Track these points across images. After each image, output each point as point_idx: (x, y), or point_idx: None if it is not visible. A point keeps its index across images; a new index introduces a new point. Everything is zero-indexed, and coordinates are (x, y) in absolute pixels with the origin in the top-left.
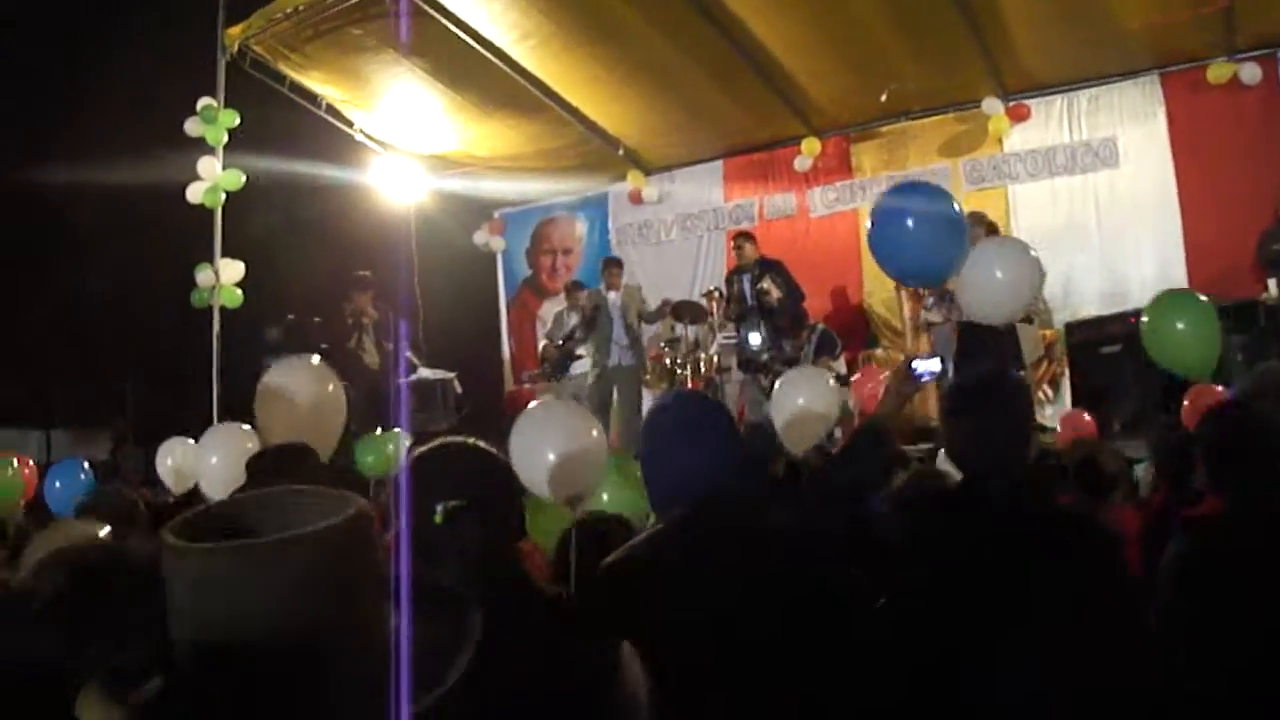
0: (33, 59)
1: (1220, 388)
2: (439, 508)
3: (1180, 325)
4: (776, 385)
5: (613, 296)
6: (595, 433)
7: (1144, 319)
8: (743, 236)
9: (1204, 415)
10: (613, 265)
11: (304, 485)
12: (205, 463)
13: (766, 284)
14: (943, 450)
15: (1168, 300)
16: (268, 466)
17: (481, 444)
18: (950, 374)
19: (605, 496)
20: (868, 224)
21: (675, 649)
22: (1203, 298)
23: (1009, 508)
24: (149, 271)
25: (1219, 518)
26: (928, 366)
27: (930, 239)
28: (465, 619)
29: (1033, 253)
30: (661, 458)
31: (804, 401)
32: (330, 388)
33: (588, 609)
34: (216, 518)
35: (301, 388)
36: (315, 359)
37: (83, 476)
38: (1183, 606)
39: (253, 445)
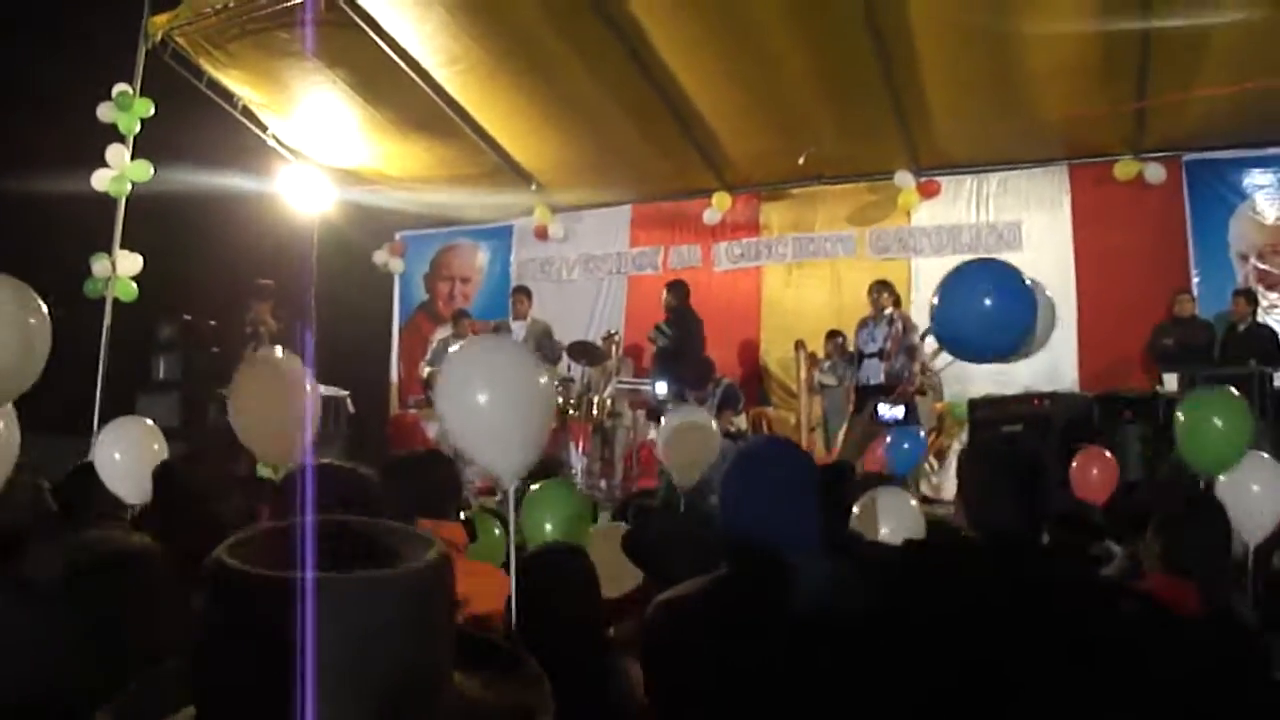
0: None
1: (1107, 453)
2: None
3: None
4: (663, 420)
5: (517, 326)
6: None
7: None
8: (668, 286)
9: None
10: (522, 294)
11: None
12: (106, 457)
13: (654, 334)
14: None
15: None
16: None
17: (350, 466)
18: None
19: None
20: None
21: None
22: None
23: (1019, 569)
24: (39, 257)
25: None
26: (893, 413)
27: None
28: None
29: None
30: (742, 503)
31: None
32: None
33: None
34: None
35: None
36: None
37: None
38: None
39: (159, 447)
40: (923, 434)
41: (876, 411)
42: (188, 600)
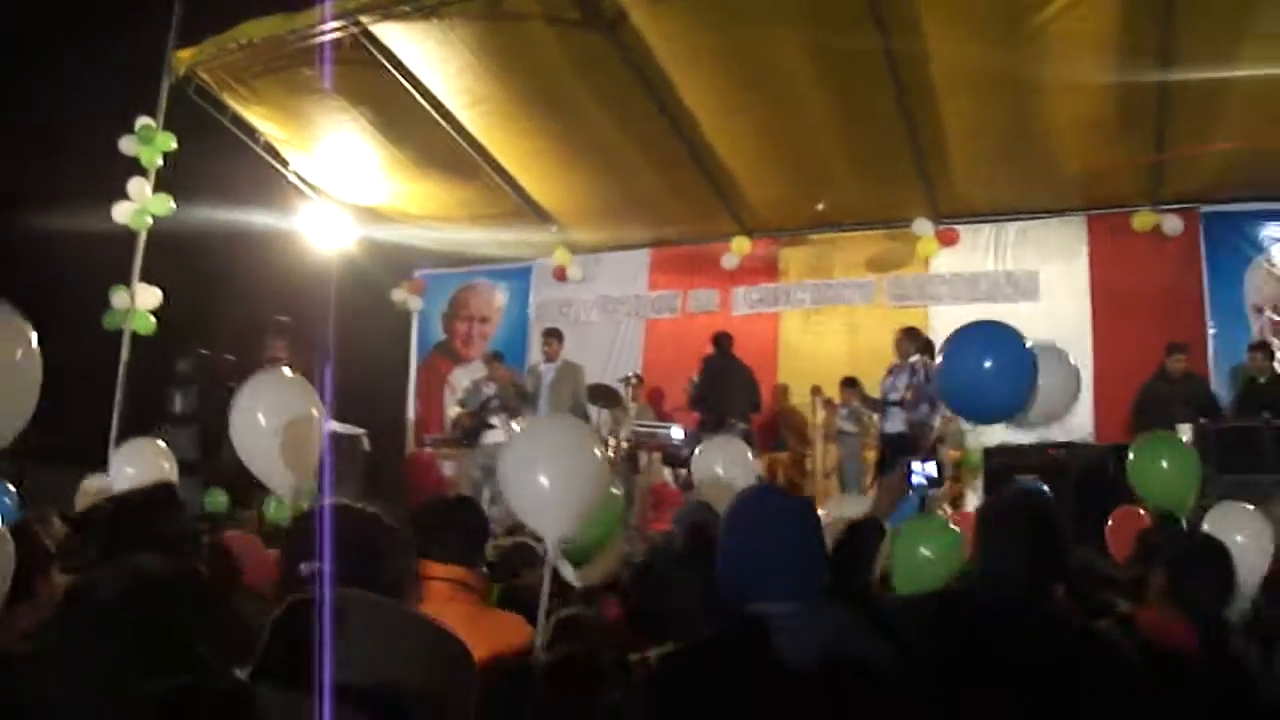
0: None
1: (1142, 511)
2: (302, 568)
3: (1164, 463)
4: (696, 452)
5: (547, 369)
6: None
7: (1131, 455)
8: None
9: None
10: (552, 337)
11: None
12: (120, 475)
13: (692, 382)
14: None
15: (1154, 440)
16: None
17: (367, 510)
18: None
19: None
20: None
21: None
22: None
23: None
24: (59, 289)
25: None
26: (926, 471)
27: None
28: None
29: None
30: (737, 552)
31: (721, 471)
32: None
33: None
34: None
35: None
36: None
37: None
38: None
39: (169, 465)
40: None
41: (910, 471)
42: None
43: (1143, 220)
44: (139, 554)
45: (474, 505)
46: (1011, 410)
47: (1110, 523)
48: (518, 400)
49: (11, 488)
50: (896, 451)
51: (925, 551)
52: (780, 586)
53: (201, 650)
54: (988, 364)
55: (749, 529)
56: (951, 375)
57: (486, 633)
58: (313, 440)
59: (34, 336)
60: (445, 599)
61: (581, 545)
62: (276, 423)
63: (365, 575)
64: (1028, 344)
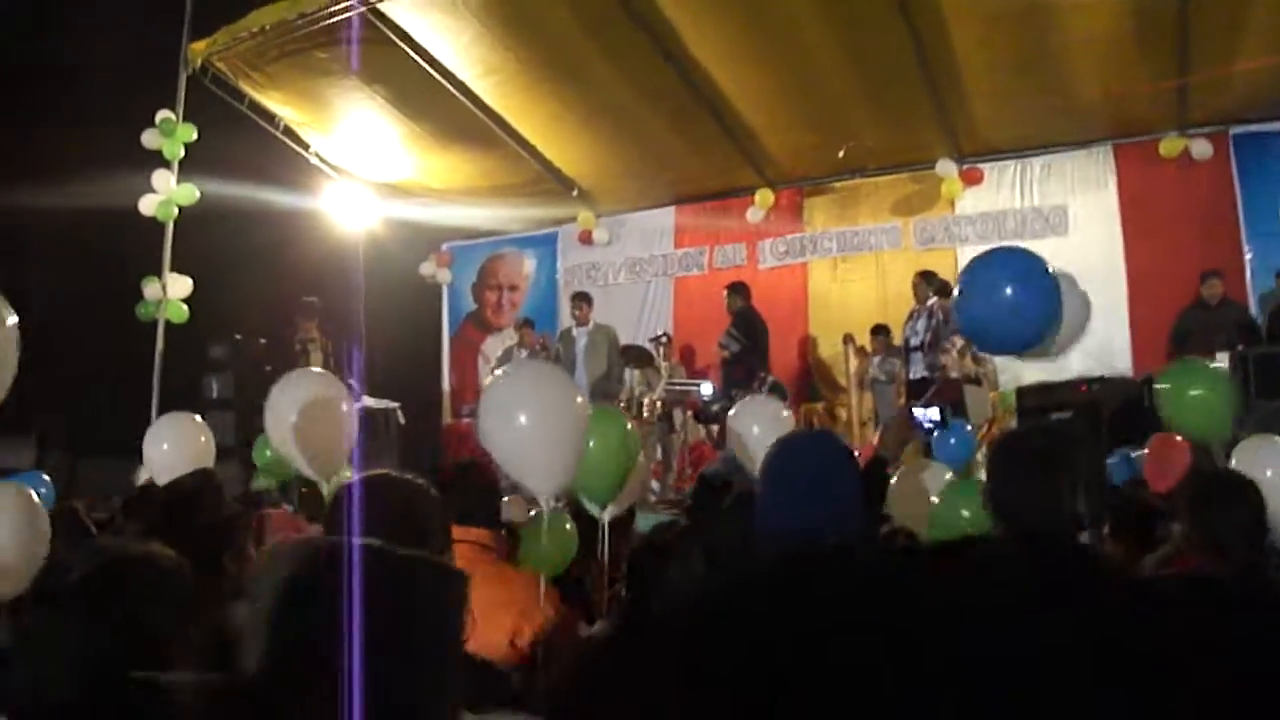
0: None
1: (1179, 437)
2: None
3: (1194, 391)
4: (731, 412)
5: (580, 332)
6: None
7: (1159, 384)
8: (729, 288)
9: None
10: (582, 300)
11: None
12: (156, 449)
13: (725, 339)
14: None
15: (1182, 367)
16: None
17: (408, 478)
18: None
19: None
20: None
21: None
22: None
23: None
24: (93, 282)
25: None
26: (927, 415)
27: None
28: None
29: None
30: (782, 495)
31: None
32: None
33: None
34: None
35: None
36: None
37: (43, 490)
38: None
39: (205, 439)
40: (969, 428)
41: (911, 414)
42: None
43: (1170, 146)
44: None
45: (480, 468)
46: (1034, 340)
47: (1147, 452)
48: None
49: (46, 477)
50: (920, 397)
51: (965, 513)
52: (820, 528)
53: (168, 634)
54: (1008, 291)
55: (790, 473)
56: (969, 307)
57: (507, 590)
58: (340, 424)
59: (8, 314)
60: (467, 561)
61: (599, 487)
62: (300, 410)
63: (413, 544)
64: (1049, 269)
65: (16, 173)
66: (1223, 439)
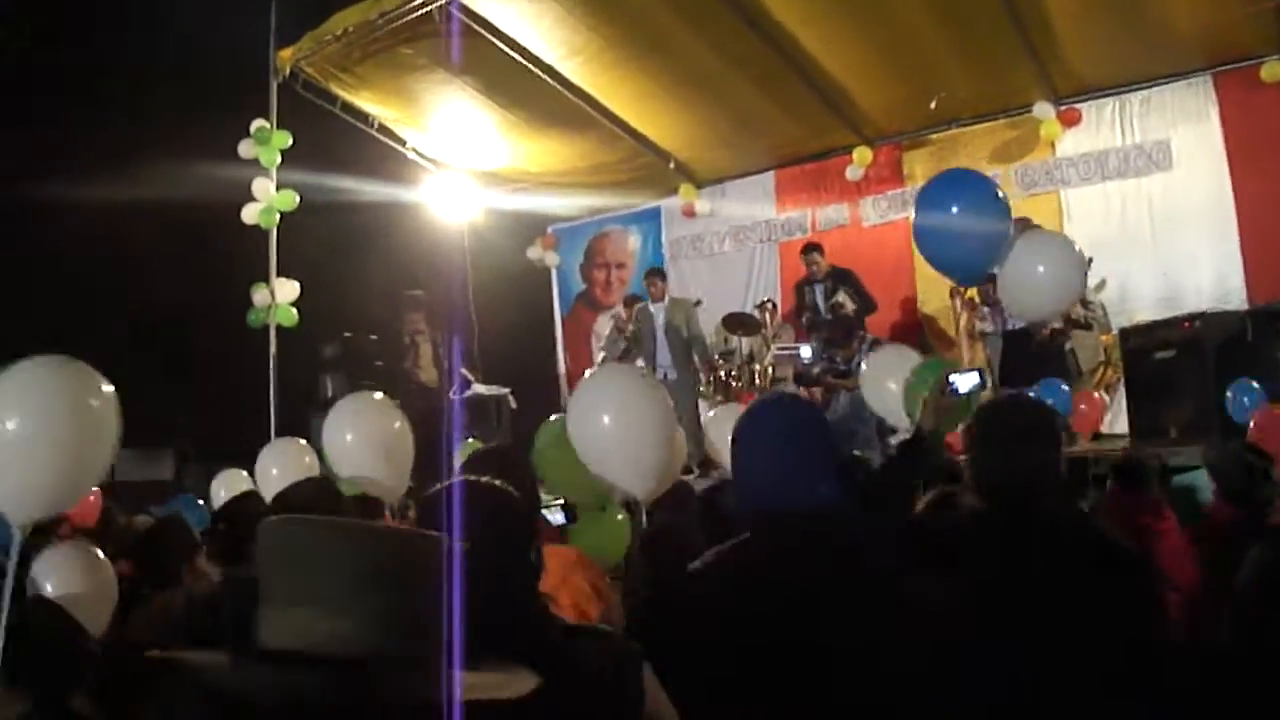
0: (90, 83)
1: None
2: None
3: None
4: (864, 366)
5: (656, 309)
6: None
7: None
8: (812, 248)
9: None
10: (655, 276)
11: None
12: (266, 477)
13: (841, 297)
14: None
15: None
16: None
17: (497, 484)
18: (988, 388)
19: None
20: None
21: (752, 659)
22: None
23: (1037, 526)
24: (206, 292)
25: None
26: (966, 381)
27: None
28: None
29: (1076, 248)
30: (755, 464)
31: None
32: (398, 424)
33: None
34: None
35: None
36: (378, 395)
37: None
38: (1274, 615)
39: (310, 460)
40: (1066, 387)
41: (948, 380)
42: None
43: (1272, 70)
44: None
45: (510, 453)
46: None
47: (1254, 422)
48: (633, 343)
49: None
50: (1014, 350)
51: None
52: (795, 495)
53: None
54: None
55: (763, 439)
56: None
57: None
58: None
59: (107, 387)
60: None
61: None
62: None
63: (499, 549)
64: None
65: (123, 185)
66: None
